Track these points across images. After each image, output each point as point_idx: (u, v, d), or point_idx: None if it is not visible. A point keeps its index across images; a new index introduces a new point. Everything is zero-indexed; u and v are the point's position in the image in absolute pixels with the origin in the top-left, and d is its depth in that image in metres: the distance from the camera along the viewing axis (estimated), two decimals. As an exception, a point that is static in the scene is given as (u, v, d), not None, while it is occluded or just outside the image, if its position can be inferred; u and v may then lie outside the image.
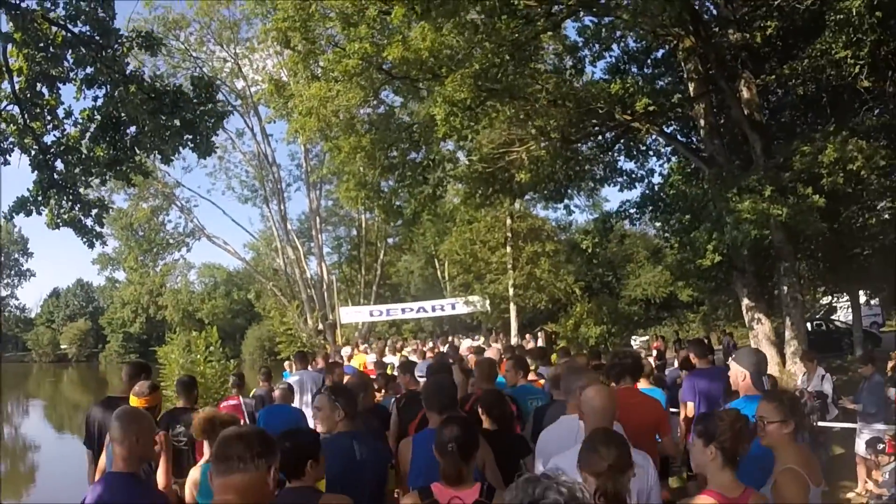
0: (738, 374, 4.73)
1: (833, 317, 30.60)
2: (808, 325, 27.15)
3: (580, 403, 3.93)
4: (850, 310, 29.61)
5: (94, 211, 8.55)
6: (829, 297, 25.51)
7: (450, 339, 30.66)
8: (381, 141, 15.64)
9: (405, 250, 45.00)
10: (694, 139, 17.21)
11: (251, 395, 10.85)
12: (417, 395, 5.79)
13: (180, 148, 8.23)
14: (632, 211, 16.70)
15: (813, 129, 14.73)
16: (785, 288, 14.37)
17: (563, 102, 14.45)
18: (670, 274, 16.67)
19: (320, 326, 32.61)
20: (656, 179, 18.59)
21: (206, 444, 4.72)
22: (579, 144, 16.68)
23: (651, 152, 19.22)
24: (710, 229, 12.91)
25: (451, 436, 3.47)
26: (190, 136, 8.03)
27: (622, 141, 18.40)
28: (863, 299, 25.61)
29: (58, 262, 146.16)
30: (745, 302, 14.73)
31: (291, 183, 37.31)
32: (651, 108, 14.06)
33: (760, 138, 14.52)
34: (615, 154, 19.02)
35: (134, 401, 5.36)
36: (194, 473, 4.57)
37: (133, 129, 8.09)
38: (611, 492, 2.85)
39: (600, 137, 17.99)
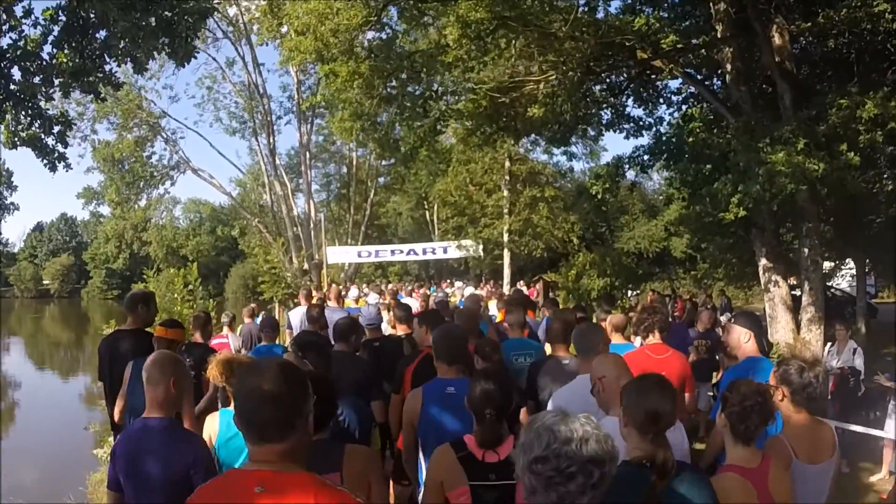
0: (742, 335, 4.56)
1: (829, 284, 29.83)
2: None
3: (598, 367, 3.77)
4: (843, 278, 28.98)
5: (57, 128, 7.39)
6: (832, 264, 24.61)
7: (443, 284, 30.05)
8: (380, 68, 14.46)
9: (396, 190, 43.79)
10: (716, 85, 16.14)
11: (238, 332, 10.71)
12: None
13: (156, 52, 7.04)
14: (645, 157, 15.64)
15: (838, 86, 13.69)
16: (806, 250, 13.46)
17: (581, 35, 13.32)
18: (685, 226, 15.58)
19: (305, 266, 31.59)
20: (665, 128, 17.55)
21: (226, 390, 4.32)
22: (594, 82, 15.52)
23: (661, 99, 18.23)
24: (734, 181, 11.99)
25: (487, 397, 3.29)
26: (167, 40, 6.86)
27: (633, 84, 17.43)
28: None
29: (42, 195, 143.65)
30: (763, 262, 13.82)
31: (282, 115, 35.83)
32: (679, 47, 13.01)
33: (790, 89, 13.52)
34: (625, 98, 18.02)
35: (160, 331, 5.27)
36: (211, 422, 4.05)
37: (102, 32, 6.92)
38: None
39: (615, 76, 17.01)
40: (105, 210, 45.68)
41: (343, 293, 16.10)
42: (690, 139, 14.29)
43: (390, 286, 24.13)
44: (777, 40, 13.90)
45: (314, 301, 11.50)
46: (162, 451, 3.22)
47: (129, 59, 7.09)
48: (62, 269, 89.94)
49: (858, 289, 22.48)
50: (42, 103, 7.18)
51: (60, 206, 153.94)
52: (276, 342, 8.07)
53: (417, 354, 5.46)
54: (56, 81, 6.94)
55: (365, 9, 12.74)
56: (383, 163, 38.56)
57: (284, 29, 14.55)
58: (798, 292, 14.59)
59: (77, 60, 6.91)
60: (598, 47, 13.18)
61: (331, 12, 12.36)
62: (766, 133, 11.80)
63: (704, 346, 9.80)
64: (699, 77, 14.82)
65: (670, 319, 6.79)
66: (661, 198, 44.45)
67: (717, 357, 9.83)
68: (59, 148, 7.48)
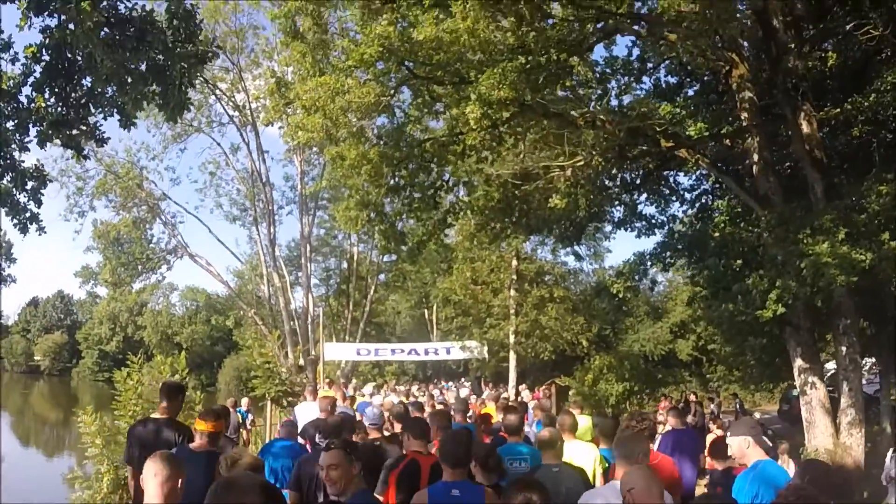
0: (742, 443, 4.80)
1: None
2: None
3: (627, 479, 3.83)
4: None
5: (31, 184, 6.46)
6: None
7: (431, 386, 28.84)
8: (389, 155, 13.81)
9: (397, 287, 42.87)
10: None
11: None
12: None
13: (144, 102, 6.14)
14: (666, 254, 14.81)
15: (858, 176, 13.25)
16: (844, 348, 12.44)
17: (602, 123, 12.72)
18: (715, 327, 14.62)
19: (301, 362, 30.34)
20: (678, 226, 16.94)
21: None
22: (612, 175, 14.89)
23: (675, 196, 17.66)
24: (771, 276, 11.14)
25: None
26: (158, 88, 5.97)
27: (650, 179, 16.89)
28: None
29: (40, 270, 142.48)
30: (799, 363, 12.75)
31: (283, 206, 35.27)
32: (705, 135, 12.41)
33: (822, 178, 12.92)
34: (637, 195, 17.43)
35: (200, 425, 5.41)
36: None
37: (88, 80, 6.09)
38: None
39: (630, 172, 16.48)
40: (102, 291, 44.83)
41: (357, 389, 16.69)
42: (716, 234, 13.52)
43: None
44: (805, 128, 13.38)
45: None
46: None
47: (115, 109, 6.23)
48: (54, 346, 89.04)
49: (883, 387, 21.30)
50: (16, 154, 6.28)
51: (58, 282, 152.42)
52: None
53: (402, 458, 5.52)
54: (33, 130, 6.07)
55: (379, 86, 12.11)
56: (385, 259, 37.92)
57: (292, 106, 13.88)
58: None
59: (59, 108, 6.08)
60: (622, 136, 12.53)
61: (342, 89, 11.69)
62: (805, 223, 11.05)
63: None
64: (725, 168, 14.11)
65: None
66: (666, 300, 43.85)
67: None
68: (33, 207, 6.54)
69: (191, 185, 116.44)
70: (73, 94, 6.18)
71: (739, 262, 12.48)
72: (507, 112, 12.18)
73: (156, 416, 6.11)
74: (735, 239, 12.99)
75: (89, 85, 6.10)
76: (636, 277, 14.31)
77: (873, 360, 22.29)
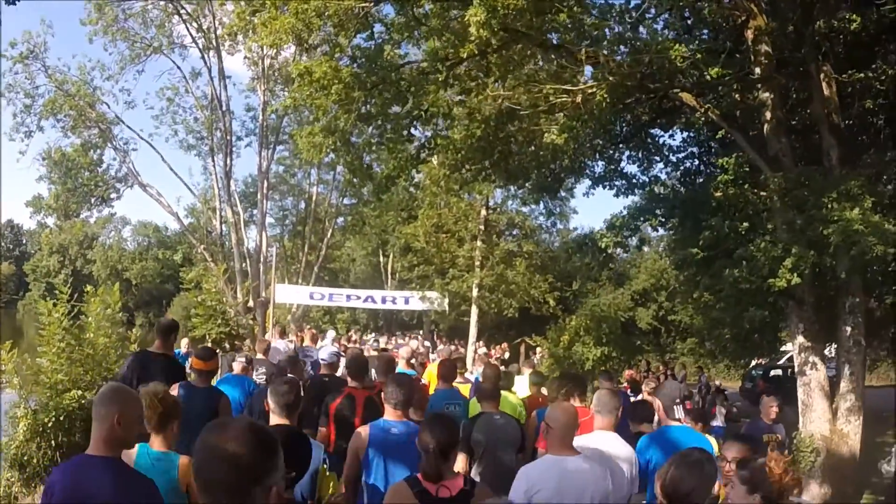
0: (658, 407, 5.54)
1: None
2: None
3: (551, 413, 4.36)
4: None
5: None
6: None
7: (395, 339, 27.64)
8: (363, 79, 12.23)
9: (356, 232, 41.26)
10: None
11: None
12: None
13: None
14: (659, 210, 13.58)
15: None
16: (848, 329, 11.49)
17: (606, 60, 11.29)
18: (711, 294, 13.44)
19: (250, 303, 28.60)
20: (660, 188, 15.87)
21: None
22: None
23: (658, 157, 16.49)
24: (788, 241, 9.98)
25: (434, 437, 3.67)
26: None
27: (640, 134, 15.69)
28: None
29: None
30: (800, 341, 11.67)
31: (242, 137, 32.95)
32: (725, 78, 11.15)
33: (838, 144, 11.88)
34: (620, 152, 16.22)
35: (197, 363, 6.07)
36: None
37: None
38: None
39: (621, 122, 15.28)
40: (52, 222, 42.65)
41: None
42: (717, 193, 12.26)
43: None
44: (825, 91, 12.27)
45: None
46: (106, 494, 2.97)
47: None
48: (1, 277, 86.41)
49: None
50: None
51: (7, 212, 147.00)
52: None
53: (340, 393, 6.02)
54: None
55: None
56: (345, 202, 36.30)
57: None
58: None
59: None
60: (632, 75, 11.14)
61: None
62: (828, 188, 9.90)
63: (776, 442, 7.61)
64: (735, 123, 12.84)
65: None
66: (630, 266, 43.08)
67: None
68: None
69: (147, 111, 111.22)
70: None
71: (746, 224, 11.23)
72: (497, 39, 10.78)
73: (153, 350, 6.56)
74: (741, 200, 11.74)
75: None
76: (626, 234, 13.04)
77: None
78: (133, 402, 3.26)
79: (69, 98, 26.75)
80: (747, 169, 12.18)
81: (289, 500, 1.99)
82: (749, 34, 12.31)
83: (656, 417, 5.79)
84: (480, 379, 8.11)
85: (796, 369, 12.00)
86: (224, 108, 28.97)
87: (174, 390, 5.27)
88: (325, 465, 4.40)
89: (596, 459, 4.32)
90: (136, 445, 3.71)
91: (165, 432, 4.00)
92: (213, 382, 7.38)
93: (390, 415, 4.83)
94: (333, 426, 5.70)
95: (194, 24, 28.20)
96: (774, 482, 3.36)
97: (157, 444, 3.96)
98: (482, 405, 6.10)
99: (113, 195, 32.66)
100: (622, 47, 11.68)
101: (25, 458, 8.72)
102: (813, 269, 9.80)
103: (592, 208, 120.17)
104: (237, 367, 8.64)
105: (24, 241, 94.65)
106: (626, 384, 14.70)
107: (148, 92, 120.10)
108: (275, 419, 4.37)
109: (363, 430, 4.80)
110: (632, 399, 9.40)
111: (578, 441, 4.41)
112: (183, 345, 14.75)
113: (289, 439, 3.79)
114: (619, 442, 4.90)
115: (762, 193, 11.75)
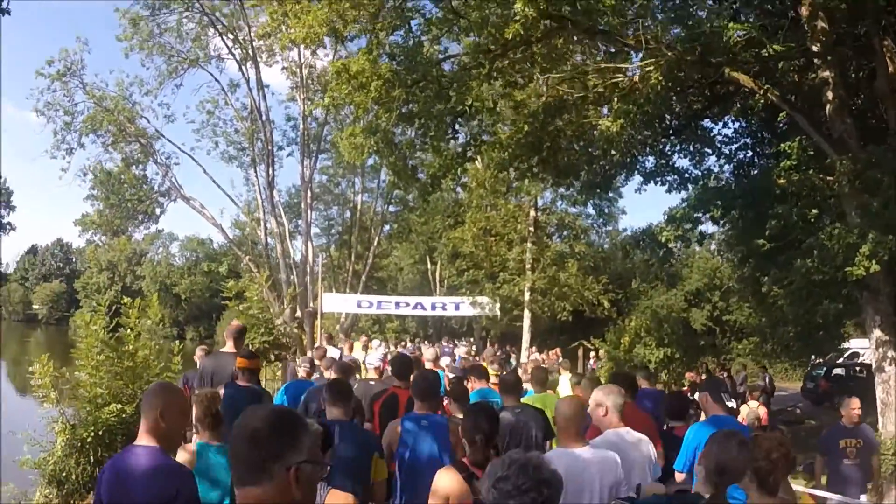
0: (702, 398, 5.51)
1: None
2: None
3: (559, 406, 4.44)
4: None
5: None
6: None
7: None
8: (403, 76, 11.83)
9: (402, 240, 40.94)
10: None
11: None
12: None
13: None
14: (718, 202, 12.87)
15: None
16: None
17: (658, 45, 10.70)
18: (783, 287, 12.68)
19: (297, 313, 28.32)
20: (713, 182, 15.15)
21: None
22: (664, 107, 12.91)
23: (710, 149, 15.80)
24: (863, 226, 9.27)
25: (478, 426, 3.86)
26: None
27: (691, 125, 14.99)
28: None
29: (40, 218, 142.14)
30: (877, 335, 10.87)
31: (284, 147, 32.91)
32: (788, 53, 10.48)
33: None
34: (671, 146, 15.54)
35: (242, 362, 6.35)
36: (184, 454, 4.12)
37: None
38: None
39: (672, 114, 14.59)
40: (101, 241, 43.12)
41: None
42: (781, 181, 11.54)
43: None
44: (890, 67, 11.48)
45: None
46: (144, 480, 3.17)
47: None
48: (52, 294, 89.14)
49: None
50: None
51: (58, 230, 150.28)
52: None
53: (384, 392, 6.36)
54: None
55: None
56: (390, 209, 35.94)
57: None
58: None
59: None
60: (684, 59, 10.53)
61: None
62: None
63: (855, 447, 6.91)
64: (796, 104, 12.10)
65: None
66: (682, 266, 41.83)
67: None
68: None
69: (187, 125, 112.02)
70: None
71: (815, 211, 10.51)
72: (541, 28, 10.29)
73: (226, 350, 7.11)
74: (807, 186, 11.02)
75: None
76: (686, 227, 12.37)
77: None
78: (176, 398, 3.44)
79: (108, 114, 26.89)
80: (811, 153, 11.45)
81: (310, 483, 1.89)
82: (804, 10, 11.58)
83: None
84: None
85: (874, 365, 11.21)
86: (264, 118, 28.89)
87: (221, 390, 5.56)
88: (377, 454, 4.82)
89: (606, 449, 4.35)
90: (196, 443, 4.34)
91: (219, 430, 4.37)
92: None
93: (419, 408, 5.13)
94: (378, 422, 6.00)
95: (230, 36, 28.19)
96: (762, 459, 3.32)
97: (212, 441, 4.34)
98: (503, 399, 6.29)
99: (157, 210, 32.78)
100: (675, 28, 11.06)
101: (64, 474, 8.40)
102: (892, 255, 9.04)
103: (639, 210, 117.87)
104: (301, 371, 8.83)
105: (73, 259, 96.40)
106: (686, 387, 14.05)
107: (188, 105, 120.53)
108: (331, 412, 4.89)
109: (395, 422, 5.15)
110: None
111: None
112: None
113: (343, 428, 4.62)
114: (631, 433, 4.84)
115: (829, 178, 11.03)
